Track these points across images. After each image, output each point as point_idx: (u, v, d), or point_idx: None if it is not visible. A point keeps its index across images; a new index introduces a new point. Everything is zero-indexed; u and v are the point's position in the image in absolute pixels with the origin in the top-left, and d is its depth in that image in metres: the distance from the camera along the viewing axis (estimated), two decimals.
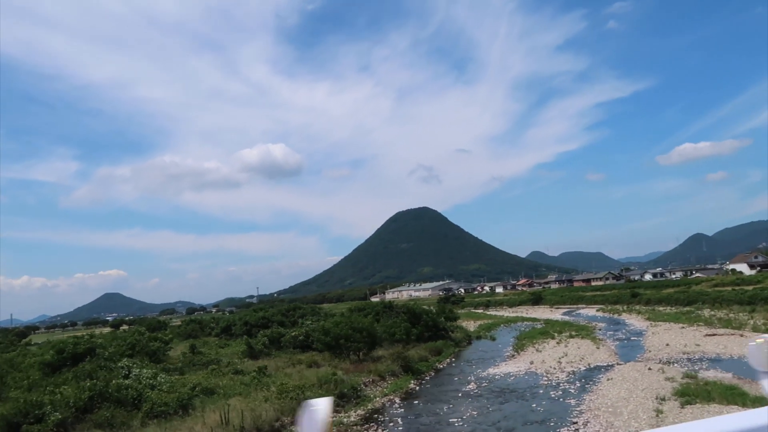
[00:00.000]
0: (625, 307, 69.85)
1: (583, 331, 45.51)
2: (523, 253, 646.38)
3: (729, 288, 67.50)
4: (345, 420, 19.76)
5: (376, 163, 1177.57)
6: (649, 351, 31.57)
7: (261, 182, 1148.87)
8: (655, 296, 73.13)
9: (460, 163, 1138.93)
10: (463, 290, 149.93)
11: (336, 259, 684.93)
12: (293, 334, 35.00)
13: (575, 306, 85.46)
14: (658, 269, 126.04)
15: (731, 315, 47.52)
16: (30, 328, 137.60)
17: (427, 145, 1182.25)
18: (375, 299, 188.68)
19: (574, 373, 26.26)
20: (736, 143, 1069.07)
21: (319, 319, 44.10)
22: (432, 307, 48.90)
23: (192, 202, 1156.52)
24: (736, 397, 17.73)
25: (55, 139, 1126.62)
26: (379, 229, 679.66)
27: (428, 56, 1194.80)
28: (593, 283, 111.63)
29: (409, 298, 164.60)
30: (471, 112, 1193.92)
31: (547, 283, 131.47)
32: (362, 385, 24.02)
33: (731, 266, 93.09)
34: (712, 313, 50.79)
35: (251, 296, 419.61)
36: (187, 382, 22.39)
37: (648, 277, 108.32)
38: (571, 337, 40.63)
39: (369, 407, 21.84)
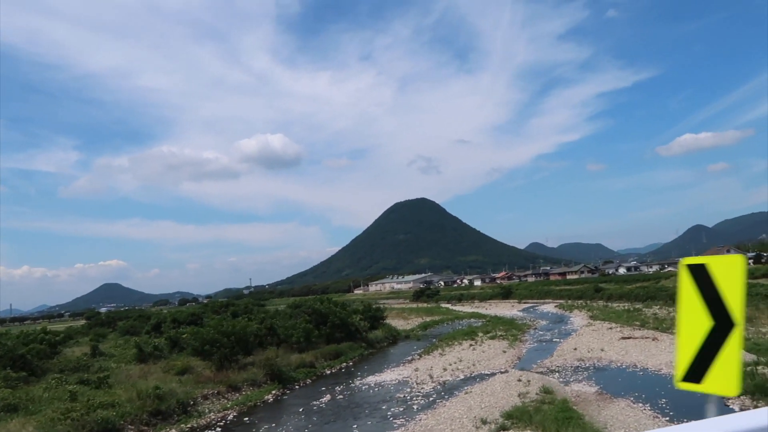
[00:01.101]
0: (582, 303, 67.63)
1: (514, 330, 43.37)
2: (522, 245, 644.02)
3: None
4: None
5: (378, 152, 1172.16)
6: (553, 356, 29.34)
7: (260, 172, 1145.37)
8: (616, 292, 70.83)
9: (461, 154, 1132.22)
10: (442, 283, 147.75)
11: (335, 249, 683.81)
12: (183, 336, 32.85)
13: (540, 301, 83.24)
14: (633, 263, 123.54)
15: (673, 314, 45.28)
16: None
17: (428, 135, 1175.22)
18: (358, 291, 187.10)
19: (445, 383, 24.06)
20: (738, 134, 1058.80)
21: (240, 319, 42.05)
22: (360, 305, 46.69)
23: (192, 192, 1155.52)
24: (559, 423, 15.49)
25: (56, 128, 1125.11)
26: (377, 220, 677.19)
27: (430, 45, 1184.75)
28: (568, 277, 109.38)
29: (391, 290, 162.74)
30: (473, 101, 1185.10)
31: (525, 276, 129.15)
32: (200, 398, 21.86)
33: None
34: (656, 312, 48.55)
35: (248, 287, 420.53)
36: None
37: (622, 270, 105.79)
38: (493, 337, 38.46)
39: (190, 425, 19.71)
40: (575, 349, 30.55)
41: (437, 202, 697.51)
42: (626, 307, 57.03)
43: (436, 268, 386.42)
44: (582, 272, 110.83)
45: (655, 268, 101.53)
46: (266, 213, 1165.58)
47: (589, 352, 29.10)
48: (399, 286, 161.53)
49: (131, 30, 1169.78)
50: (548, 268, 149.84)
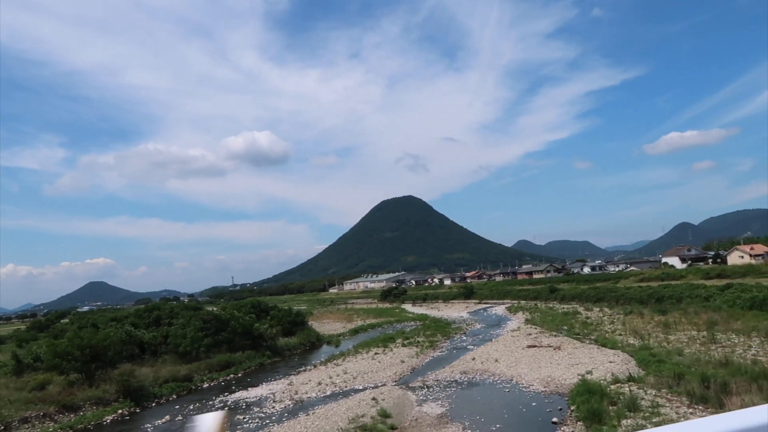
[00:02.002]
0: (533, 305, 66.17)
1: (440, 335, 41.71)
2: (509, 243, 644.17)
3: (655, 284, 64.09)
4: None
5: (366, 150, 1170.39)
6: (446, 368, 27.45)
7: (248, 170, 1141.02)
8: (570, 292, 69.36)
9: (448, 152, 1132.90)
10: (414, 282, 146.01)
11: (323, 247, 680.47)
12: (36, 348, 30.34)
13: (499, 301, 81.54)
14: (598, 262, 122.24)
15: (605, 317, 43.77)
16: None
17: (416, 133, 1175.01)
18: (333, 290, 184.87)
19: (302, 402, 22.06)
20: (724, 132, 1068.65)
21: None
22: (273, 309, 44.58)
23: (180, 190, 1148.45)
24: None
25: (42, 125, 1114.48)
26: (364, 218, 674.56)
27: (419, 43, 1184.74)
28: (534, 276, 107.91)
29: (365, 289, 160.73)
30: (461, 99, 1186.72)
31: (494, 275, 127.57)
32: (16, 422, 19.73)
33: (664, 259, 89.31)
34: (590, 315, 47.02)
35: (235, 285, 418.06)
36: None
37: (587, 270, 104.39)
38: (410, 344, 36.65)
39: None
40: (473, 359, 28.71)
41: (424, 200, 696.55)
42: (569, 309, 55.58)
43: (423, 266, 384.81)
44: (548, 271, 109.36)
45: (622, 266, 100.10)
46: (254, 211, 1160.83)
47: (482, 363, 27.25)
48: (372, 285, 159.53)
49: (117, 27, 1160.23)
50: (518, 267, 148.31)
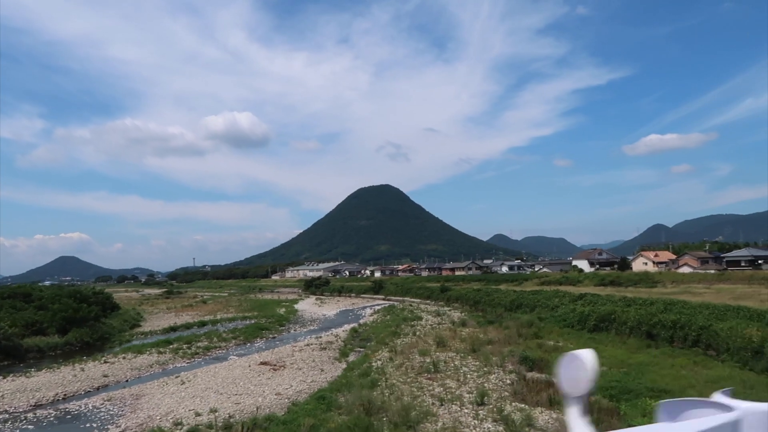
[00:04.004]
0: (418, 305, 62.72)
1: (243, 336, 37.59)
2: (485, 236, 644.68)
3: (549, 288, 60.79)
4: None
5: (350, 137, 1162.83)
6: (98, 396, 23.06)
7: (227, 151, 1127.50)
8: (455, 294, 65.65)
9: (431, 143, 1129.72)
10: (347, 273, 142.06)
11: (300, 232, 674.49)
12: None
13: (400, 298, 77.64)
14: (516, 261, 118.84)
15: (450, 327, 39.74)
16: None
17: (401, 122, 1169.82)
18: (275, 277, 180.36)
19: None
20: (702, 137, 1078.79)
21: None
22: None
23: (160, 167, 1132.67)
24: None
25: (21, 95, 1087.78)
26: (340, 205, 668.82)
27: (409, 32, 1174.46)
28: (457, 273, 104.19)
29: (304, 277, 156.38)
30: (448, 91, 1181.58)
31: (421, 269, 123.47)
32: None
33: (575, 262, 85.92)
34: (436, 320, 43.70)
35: (205, 266, 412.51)
36: None
37: (505, 269, 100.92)
38: (174, 351, 32.17)
39: None
40: (177, 378, 24.29)
41: (404, 190, 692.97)
42: (437, 311, 53.26)
43: (395, 255, 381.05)
44: (470, 268, 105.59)
45: (537, 268, 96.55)
46: (236, 192, 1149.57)
47: (170, 387, 22.84)
48: (311, 273, 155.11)
49: None
50: (444, 263, 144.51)
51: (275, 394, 19.92)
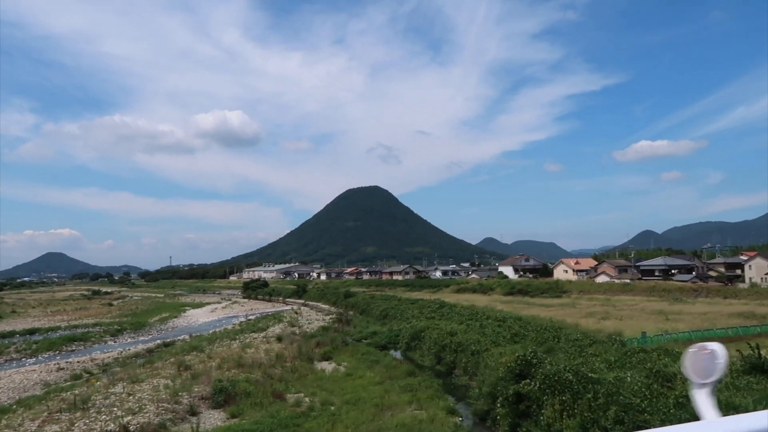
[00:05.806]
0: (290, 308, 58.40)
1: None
2: (475, 240, 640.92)
3: (463, 295, 57.08)
4: None
5: (344, 138, 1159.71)
6: None
7: (218, 149, 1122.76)
8: (355, 299, 61.53)
9: (423, 146, 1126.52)
10: (297, 275, 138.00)
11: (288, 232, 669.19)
12: None
13: (313, 303, 73.49)
14: (452, 266, 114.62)
15: (263, 340, 35.76)
16: None
17: (394, 124, 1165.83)
18: (233, 278, 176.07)
19: None
20: (693, 144, 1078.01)
21: None
22: None
23: (152, 165, 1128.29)
24: None
25: (12, 89, 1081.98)
26: (328, 205, 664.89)
27: (405, 34, 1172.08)
28: (394, 277, 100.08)
29: (259, 278, 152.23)
30: (443, 94, 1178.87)
31: (364, 273, 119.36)
32: None
33: (501, 268, 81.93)
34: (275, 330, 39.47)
35: (191, 264, 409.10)
36: None
37: (438, 274, 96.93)
38: None
39: None
40: None
41: (394, 192, 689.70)
42: (318, 318, 49.29)
43: (381, 257, 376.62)
44: (407, 273, 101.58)
45: (473, 275, 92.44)
46: (228, 191, 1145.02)
47: None
48: (266, 274, 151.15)
49: None
50: (384, 267, 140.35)
51: None
